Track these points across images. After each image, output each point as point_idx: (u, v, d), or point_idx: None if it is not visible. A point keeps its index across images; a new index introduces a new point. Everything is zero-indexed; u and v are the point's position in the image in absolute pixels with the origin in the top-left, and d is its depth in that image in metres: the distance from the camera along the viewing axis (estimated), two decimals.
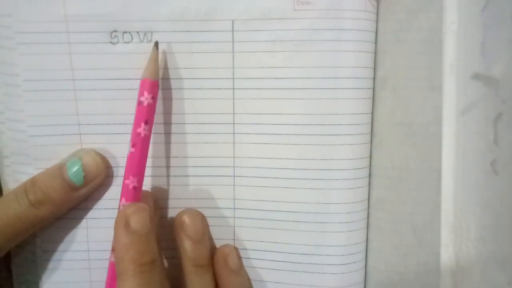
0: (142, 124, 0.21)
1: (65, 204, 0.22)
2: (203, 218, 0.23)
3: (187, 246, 0.22)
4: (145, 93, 0.21)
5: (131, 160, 0.21)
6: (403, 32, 0.21)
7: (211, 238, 0.24)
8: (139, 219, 0.19)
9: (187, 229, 0.22)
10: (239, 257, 0.24)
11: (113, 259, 0.21)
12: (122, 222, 0.19)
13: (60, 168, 0.21)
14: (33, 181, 0.21)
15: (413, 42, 0.21)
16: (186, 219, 0.22)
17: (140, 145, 0.21)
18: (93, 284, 0.24)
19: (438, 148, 0.19)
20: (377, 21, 0.22)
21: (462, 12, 0.18)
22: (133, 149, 0.21)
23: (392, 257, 0.22)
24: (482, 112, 0.18)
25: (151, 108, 0.21)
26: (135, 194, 0.21)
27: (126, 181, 0.21)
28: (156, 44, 0.22)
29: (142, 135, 0.21)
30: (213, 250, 0.24)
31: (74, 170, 0.21)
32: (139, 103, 0.21)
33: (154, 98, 0.21)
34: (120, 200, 0.21)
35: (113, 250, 0.20)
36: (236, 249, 0.24)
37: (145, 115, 0.21)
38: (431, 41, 0.20)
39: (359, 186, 0.23)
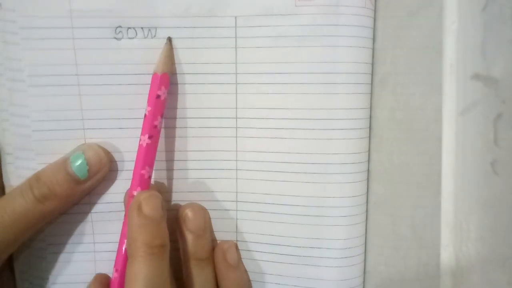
0: (159, 118, 0.21)
1: (70, 198, 0.22)
2: (205, 213, 0.23)
3: (189, 240, 0.22)
4: (162, 88, 0.21)
5: (148, 151, 0.21)
6: (403, 32, 0.21)
7: (212, 232, 0.24)
8: (152, 204, 0.20)
9: (189, 223, 0.22)
10: (238, 253, 0.24)
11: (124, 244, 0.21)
12: (135, 206, 0.20)
13: (64, 162, 0.22)
14: (37, 177, 0.21)
15: (413, 42, 0.21)
16: (189, 213, 0.23)
17: (156, 137, 0.22)
18: None
19: (438, 148, 0.19)
20: (376, 20, 0.22)
21: (462, 12, 0.18)
22: (149, 141, 0.21)
23: (392, 257, 0.22)
24: (482, 112, 0.18)
25: (165, 102, 0.22)
26: (149, 183, 0.22)
27: (142, 171, 0.21)
28: (170, 39, 0.22)
29: (159, 128, 0.22)
30: (214, 243, 0.24)
31: (77, 163, 0.21)
32: (157, 96, 0.21)
33: (167, 92, 0.22)
34: (135, 189, 0.21)
35: (125, 234, 0.21)
36: (235, 244, 0.24)
37: (162, 109, 0.22)
38: (431, 41, 0.20)
39: (358, 180, 0.23)
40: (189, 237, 0.22)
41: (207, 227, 0.23)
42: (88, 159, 0.22)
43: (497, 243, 0.18)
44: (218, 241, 0.24)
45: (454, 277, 0.19)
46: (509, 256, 0.18)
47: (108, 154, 0.23)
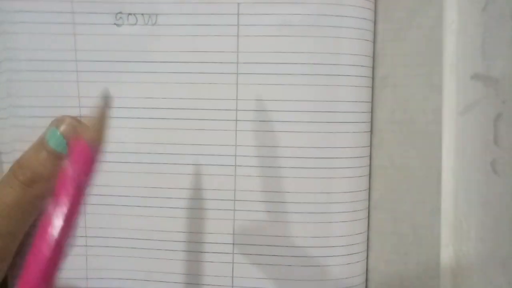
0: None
1: (56, 176, 0.22)
2: None
3: None
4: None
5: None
6: (403, 32, 0.21)
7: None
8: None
9: None
10: None
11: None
12: None
13: (41, 143, 0.21)
14: (19, 163, 0.21)
15: (413, 41, 0.21)
16: None
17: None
18: (89, 272, 0.23)
19: (438, 148, 0.19)
20: (376, 20, 0.22)
21: (462, 12, 0.18)
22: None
23: (392, 257, 0.22)
24: (482, 112, 0.18)
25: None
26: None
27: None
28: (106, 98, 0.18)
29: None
30: None
31: (54, 139, 0.21)
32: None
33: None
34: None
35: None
36: None
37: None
38: (431, 40, 0.20)
39: (362, 175, 0.23)
40: None
41: None
42: (63, 132, 0.21)
43: (497, 243, 0.18)
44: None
45: (454, 277, 0.19)
46: (509, 256, 0.18)
47: (82, 124, 0.21)
